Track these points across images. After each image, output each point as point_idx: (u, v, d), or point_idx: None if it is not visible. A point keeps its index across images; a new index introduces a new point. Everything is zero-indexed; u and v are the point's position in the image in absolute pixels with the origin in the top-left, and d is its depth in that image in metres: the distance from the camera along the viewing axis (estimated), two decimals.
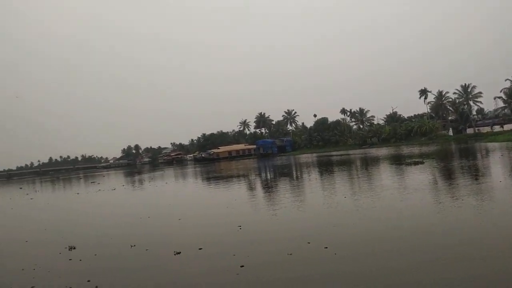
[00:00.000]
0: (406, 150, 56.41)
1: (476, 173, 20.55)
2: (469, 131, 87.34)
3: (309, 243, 9.63)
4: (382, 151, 59.69)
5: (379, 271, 7.42)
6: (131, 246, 11.19)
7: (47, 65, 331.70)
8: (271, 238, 10.81)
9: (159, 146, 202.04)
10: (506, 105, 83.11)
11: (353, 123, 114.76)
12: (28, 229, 17.02)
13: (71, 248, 11.65)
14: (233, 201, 18.91)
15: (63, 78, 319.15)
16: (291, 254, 8.88)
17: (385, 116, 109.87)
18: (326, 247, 9.08)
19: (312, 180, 26.19)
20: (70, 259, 10.48)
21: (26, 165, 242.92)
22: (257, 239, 10.90)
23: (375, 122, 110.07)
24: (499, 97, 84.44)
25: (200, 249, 10.17)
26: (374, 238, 9.66)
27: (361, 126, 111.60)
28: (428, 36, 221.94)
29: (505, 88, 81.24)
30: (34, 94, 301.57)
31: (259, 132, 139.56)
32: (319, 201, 16.37)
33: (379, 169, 30.12)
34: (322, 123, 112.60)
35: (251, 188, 26.23)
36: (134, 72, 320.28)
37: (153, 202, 23.25)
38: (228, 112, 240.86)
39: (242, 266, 8.37)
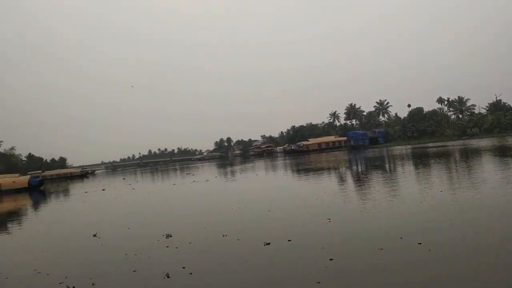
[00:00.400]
0: (508, 141, 51.91)
1: None
2: None
3: (401, 238, 9.29)
4: (484, 142, 55.49)
5: (479, 275, 6.95)
6: (223, 235, 11.58)
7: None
8: (361, 232, 10.57)
9: (250, 139, 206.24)
10: None
11: (451, 113, 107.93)
12: (130, 217, 18.34)
13: (168, 236, 12.33)
14: (323, 193, 18.77)
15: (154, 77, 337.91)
16: (381, 249, 8.62)
17: (488, 105, 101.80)
18: (420, 243, 8.69)
19: (405, 173, 25.15)
20: (167, 246, 11.10)
21: (129, 157, 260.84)
22: (347, 232, 10.74)
23: (476, 111, 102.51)
24: None
25: (289, 240, 10.25)
26: (472, 237, 9.06)
27: (460, 116, 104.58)
28: None
29: None
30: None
31: (350, 123, 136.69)
32: (412, 195, 15.66)
33: (479, 162, 28.05)
34: (417, 113, 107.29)
35: (341, 180, 25.85)
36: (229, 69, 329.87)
37: (244, 193, 23.83)
38: (316, 104, 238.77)
39: (331, 259, 8.29)
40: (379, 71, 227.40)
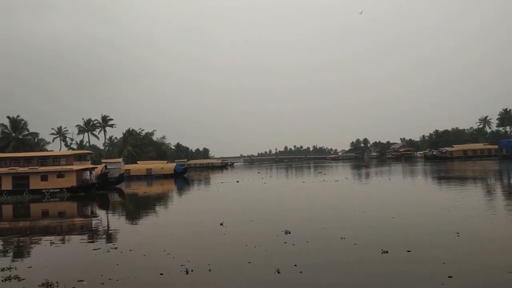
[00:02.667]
0: None
1: None
2: None
3: None
4: None
5: None
6: (341, 238, 11.45)
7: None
8: (490, 250, 9.60)
9: (388, 141, 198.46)
10: None
11: None
12: (256, 211, 19.10)
13: (287, 232, 12.60)
14: (459, 205, 17.38)
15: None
16: (510, 272, 7.73)
17: None
18: None
19: None
20: (285, 242, 11.36)
21: (266, 152, 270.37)
22: (473, 250, 9.81)
23: None
24: None
25: (408, 251, 9.74)
26: None
27: None
28: None
29: None
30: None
31: (503, 130, 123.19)
32: None
33: None
34: None
35: (485, 192, 23.53)
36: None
37: (371, 198, 23.15)
38: (464, 106, 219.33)
39: (450, 276, 7.69)
40: None
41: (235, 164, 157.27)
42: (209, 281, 8.33)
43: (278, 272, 8.49)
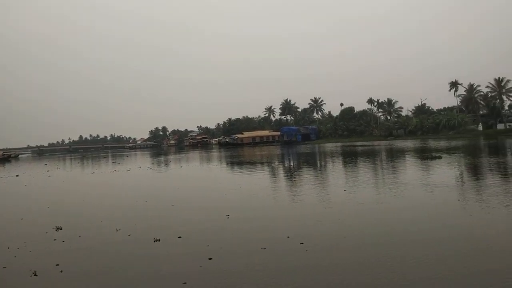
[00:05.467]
0: (430, 143, 54.88)
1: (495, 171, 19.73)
2: (500, 126, 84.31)
3: (288, 237, 9.34)
4: (406, 144, 58.32)
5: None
6: (117, 230, 11.14)
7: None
8: (250, 227, 10.59)
9: (186, 129, 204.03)
10: None
11: (380, 114, 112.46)
12: (26, 207, 17.32)
13: (58, 228, 11.70)
14: (239, 187, 18.73)
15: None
16: (264, 248, 8.61)
17: (414, 108, 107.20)
18: (302, 243, 8.76)
19: (324, 170, 25.72)
20: (54, 240, 10.51)
21: (58, 142, 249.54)
22: (249, 228, 10.67)
23: (403, 114, 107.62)
24: None
25: (179, 237, 10.02)
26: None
27: (389, 117, 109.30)
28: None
29: None
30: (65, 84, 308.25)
31: (285, 119, 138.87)
32: (312, 194, 16.03)
33: (390, 163, 29.25)
34: (348, 113, 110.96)
35: (259, 174, 25.96)
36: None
37: (156, 186, 23.31)
38: (255, 98, 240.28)
39: (210, 258, 8.14)
40: (322, 70, 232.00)
41: (20, 156, 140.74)
42: None
43: (35, 275, 7.79)
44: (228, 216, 12.17)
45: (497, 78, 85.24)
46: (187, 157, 60.78)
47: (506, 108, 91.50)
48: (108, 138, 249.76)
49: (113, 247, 9.71)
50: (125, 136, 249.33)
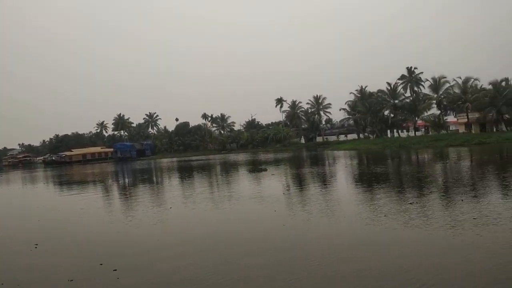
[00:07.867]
0: (259, 156, 58.29)
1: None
2: (319, 139, 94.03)
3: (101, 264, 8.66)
4: (238, 157, 60.93)
5: None
6: None
7: None
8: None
9: (5, 147, 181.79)
10: (350, 116, 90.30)
11: (215, 129, 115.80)
12: None
13: None
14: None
15: None
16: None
17: (245, 123, 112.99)
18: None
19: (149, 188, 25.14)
20: None
21: None
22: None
23: (236, 128, 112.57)
24: (344, 109, 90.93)
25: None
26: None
27: (222, 132, 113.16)
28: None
29: (349, 101, 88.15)
30: None
31: (118, 134, 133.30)
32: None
33: (223, 177, 30.16)
34: (183, 127, 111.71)
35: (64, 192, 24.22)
36: None
37: None
38: (83, 112, 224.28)
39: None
40: (153, 84, 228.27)
41: None
42: None
43: None
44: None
45: (315, 95, 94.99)
46: (3, 179, 54.12)
47: (324, 122, 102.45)
48: None
49: None
50: None
